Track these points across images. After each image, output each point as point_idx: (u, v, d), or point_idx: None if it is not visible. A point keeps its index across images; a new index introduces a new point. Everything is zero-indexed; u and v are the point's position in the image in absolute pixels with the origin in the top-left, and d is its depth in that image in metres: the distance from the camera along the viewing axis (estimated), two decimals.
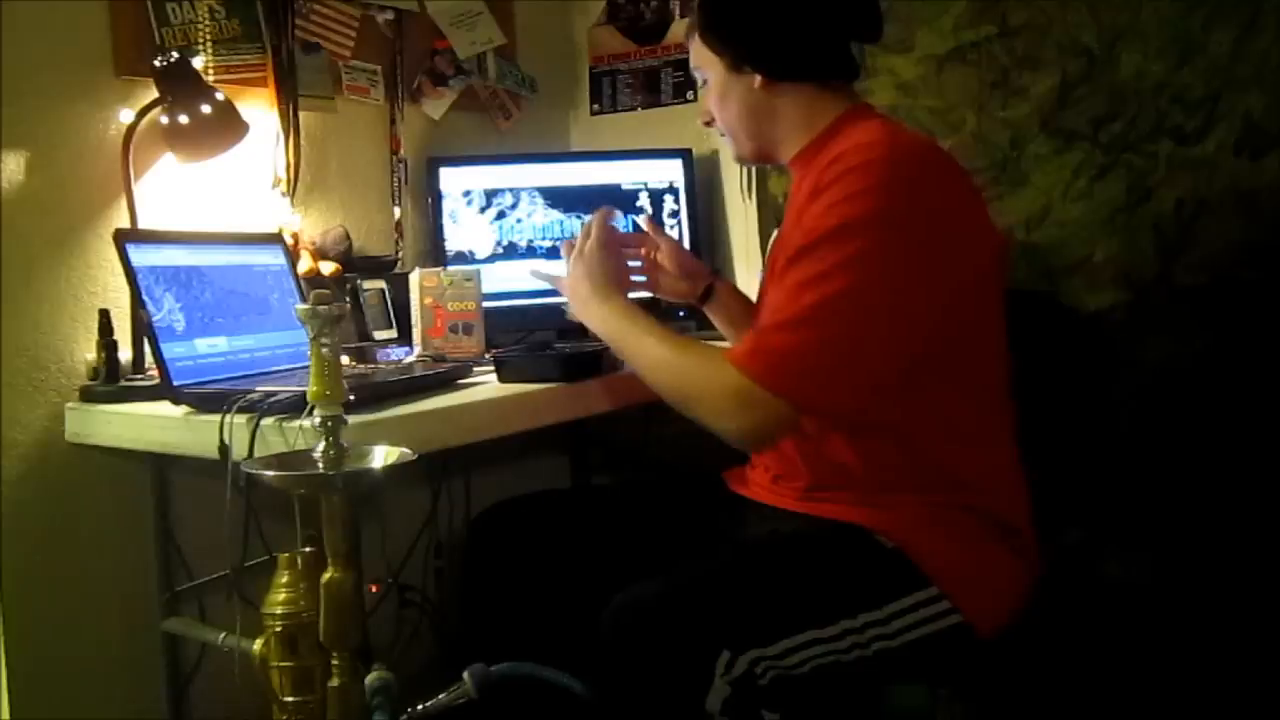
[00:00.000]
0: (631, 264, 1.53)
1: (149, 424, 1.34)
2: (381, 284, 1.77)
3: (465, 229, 1.95)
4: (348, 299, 1.70)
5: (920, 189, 1.15)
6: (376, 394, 1.27)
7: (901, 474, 1.23)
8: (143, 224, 1.51)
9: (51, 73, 1.48)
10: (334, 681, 1.07)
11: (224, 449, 1.18)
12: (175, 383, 1.29)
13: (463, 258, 1.93)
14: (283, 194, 1.77)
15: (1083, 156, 1.70)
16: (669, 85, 2.20)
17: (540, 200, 1.99)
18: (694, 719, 1.06)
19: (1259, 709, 1.53)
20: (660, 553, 1.26)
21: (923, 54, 1.83)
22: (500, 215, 1.97)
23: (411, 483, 1.93)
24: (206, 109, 1.53)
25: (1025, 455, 1.31)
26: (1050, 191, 1.73)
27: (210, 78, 1.62)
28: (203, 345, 1.37)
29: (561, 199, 2.00)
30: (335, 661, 1.07)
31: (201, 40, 1.64)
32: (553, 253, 1.99)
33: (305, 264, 1.68)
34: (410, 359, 1.60)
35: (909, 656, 1.15)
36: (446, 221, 1.94)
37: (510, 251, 1.97)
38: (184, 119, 1.53)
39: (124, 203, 1.51)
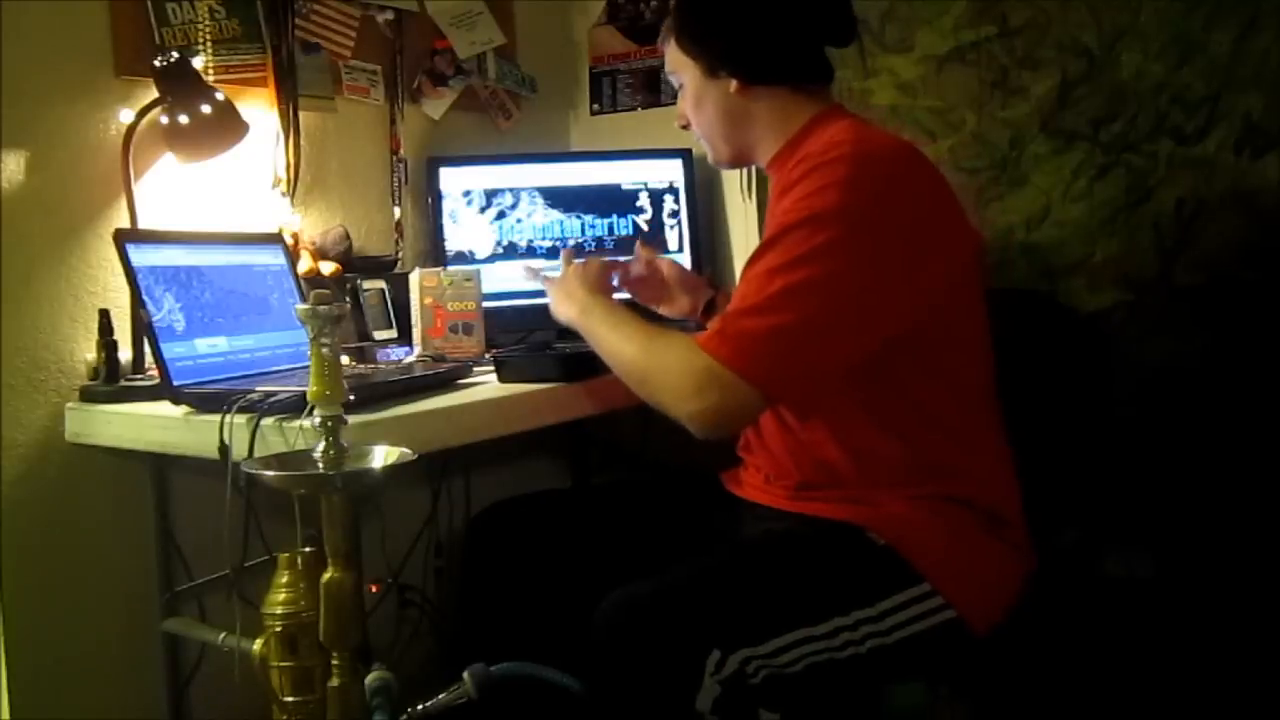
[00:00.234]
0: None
1: (149, 424, 1.34)
2: (381, 284, 1.77)
3: (465, 229, 1.95)
4: (348, 299, 1.70)
5: (887, 184, 1.16)
6: (376, 394, 1.27)
7: (891, 469, 1.23)
8: (143, 224, 1.51)
9: (51, 73, 1.48)
10: (334, 681, 1.08)
11: (224, 449, 1.18)
12: (175, 383, 1.29)
13: (463, 258, 1.93)
14: (283, 194, 1.77)
15: (1083, 156, 1.70)
16: (669, 85, 2.20)
17: (540, 200, 1.99)
18: (685, 718, 1.06)
19: (1258, 707, 1.53)
20: (658, 552, 1.26)
21: (923, 54, 1.83)
22: (500, 215, 1.97)
23: (411, 483, 1.93)
24: (206, 109, 1.53)
25: (1024, 454, 1.32)
26: (1050, 191, 1.73)
27: (210, 78, 1.62)
28: (203, 345, 1.37)
29: (561, 199, 2.00)
30: (335, 661, 1.07)
31: (201, 40, 1.63)
32: (553, 253, 1.99)
33: (305, 264, 1.68)
34: (410, 359, 1.60)
35: (904, 653, 1.16)
36: (446, 221, 1.94)
37: (510, 251, 1.97)
38: (184, 119, 1.53)
39: (124, 203, 1.51)
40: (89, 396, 1.44)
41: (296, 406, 1.14)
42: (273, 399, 1.18)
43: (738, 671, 1.08)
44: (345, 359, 1.38)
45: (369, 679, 1.08)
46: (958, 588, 1.18)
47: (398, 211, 1.99)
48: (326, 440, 1.03)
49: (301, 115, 1.77)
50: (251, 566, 1.35)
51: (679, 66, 1.35)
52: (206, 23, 1.64)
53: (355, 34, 1.90)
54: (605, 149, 2.22)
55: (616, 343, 1.25)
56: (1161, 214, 1.64)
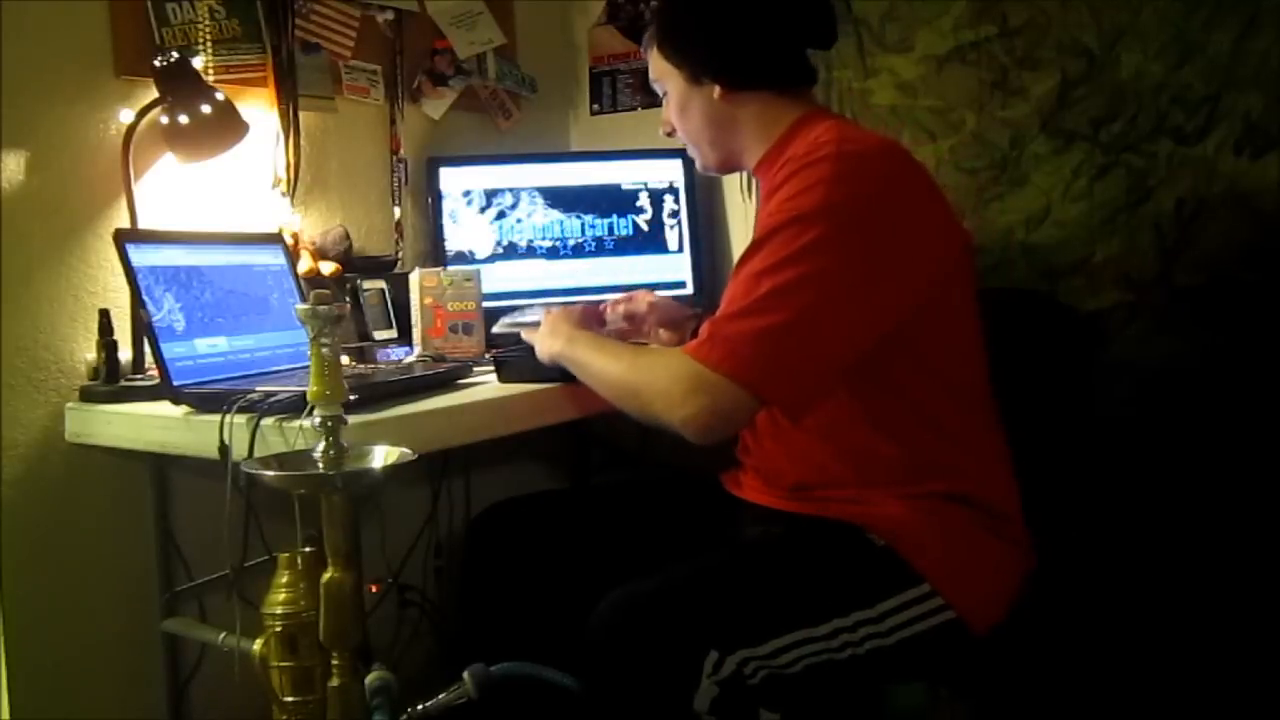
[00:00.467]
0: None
1: (149, 424, 1.34)
2: (381, 284, 1.77)
3: (465, 229, 1.95)
4: (348, 299, 1.70)
5: (871, 182, 1.16)
6: (376, 394, 1.27)
7: (888, 470, 1.23)
8: (143, 224, 1.51)
9: (51, 73, 1.48)
10: (334, 681, 1.07)
11: (224, 449, 1.18)
12: (175, 383, 1.29)
13: (463, 258, 1.93)
14: (283, 194, 1.77)
15: (1083, 156, 1.70)
16: None
17: (540, 200, 1.99)
18: (683, 718, 1.06)
19: (1257, 707, 1.53)
20: (658, 553, 1.26)
21: (923, 54, 1.83)
22: (500, 215, 1.97)
23: (411, 483, 1.93)
24: (206, 109, 1.53)
25: (1023, 454, 1.32)
26: (1050, 191, 1.73)
27: (210, 78, 1.62)
28: (203, 345, 1.37)
29: (561, 199, 2.00)
30: (335, 661, 1.07)
31: (201, 40, 1.63)
32: (552, 253, 1.99)
33: (305, 264, 1.68)
34: (410, 359, 1.60)
35: (903, 654, 1.16)
36: (446, 221, 1.94)
37: (510, 251, 1.97)
38: (184, 119, 1.53)
39: (124, 203, 1.51)
40: (89, 396, 1.44)
41: (296, 406, 1.14)
42: (273, 399, 1.18)
43: (736, 672, 1.08)
44: (345, 359, 1.38)
45: (369, 679, 1.08)
46: (957, 588, 1.18)
47: (398, 211, 1.99)
48: (326, 440, 1.03)
49: (301, 115, 1.77)
50: (251, 566, 1.35)
51: (663, 74, 1.36)
52: (206, 23, 1.64)
53: (355, 34, 1.90)
54: (605, 149, 2.22)
55: (604, 364, 1.25)
56: (1161, 214, 1.64)
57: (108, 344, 1.44)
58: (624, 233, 2.04)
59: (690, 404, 1.11)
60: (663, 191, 2.06)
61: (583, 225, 2.02)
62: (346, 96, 1.90)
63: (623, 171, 2.05)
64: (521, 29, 2.21)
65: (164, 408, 1.32)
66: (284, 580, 1.16)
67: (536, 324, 1.43)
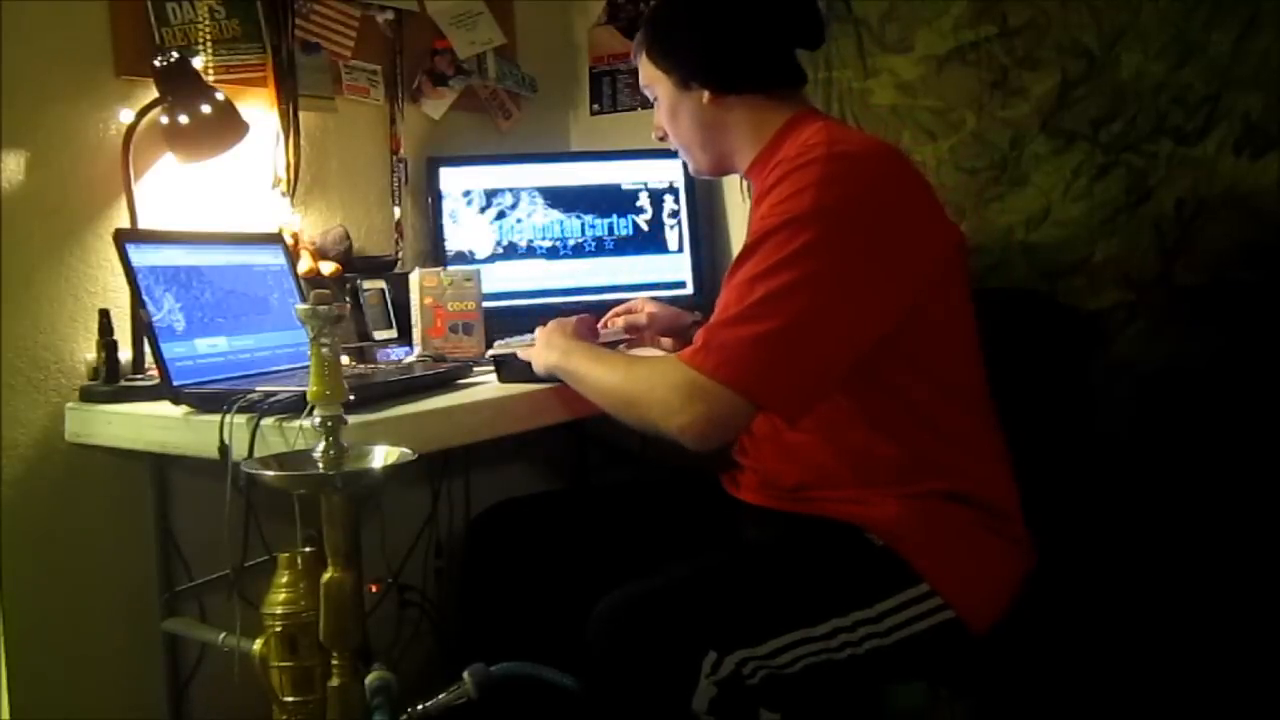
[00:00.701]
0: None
1: (149, 424, 1.34)
2: (381, 284, 1.77)
3: (465, 229, 1.95)
4: (348, 299, 1.70)
5: (862, 183, 1.16)
6: (376, 394, 1.27)
7: (885, 470, 1.23)
8: (143, 224, 1.51)
9: (51, 73, 1.48)
10: (334, 681, 1.08)
11: (224, 449, 1.18)
12: (175, 383, 1.29)
13: (463, 258, 1.93)
14: (283, 194, 1.77)
15: (1083, 156, 1.70)
16: None
17: (540, 200, 1.99)
18: (681, 719, 1.06)
19: (1257, 707, 1.53)
20: (658, 553, 1.26)
21: (923, 54, 1.83)
22: (500, 215, 1.97)
23: (411, 483, 1.93)
24: (206, 109, 1.53)
25: (1024, 454, 1.32)
26: (1050, 191, 1.73)
27: (210, 78, 1.62)
28: (203, 345, 1.37)
29: (561, 199, 2.00)
30: (335, 661, 1.07)
31: (201, 40, 1.63)
32: (552, 253, 1.99)
33: (305, 264, 1.68)
34: (410, 359, 1.60)
35: (903, 654, 1.16)
36: (446, 221, 1.94)
37: (510, 251, 1.97)
38: (184, 119, 1.53)
39: (124, 203, 1.51)
40: (89, 396, 1.44)
41: (296, 406, 1.14)
42: (273, 399, 1.18)
43: (734, 672, 1.08)
44: (345, 359, 1.38)
45: (369, 679, 1.08)
46: (956, 587, 1.18)
47: (398, 211, 1.99)
48: (326, 440, 1.03)
49: (301, 115, 1.77)
50: (251, 566, 1.35)
51: (652, 80, 1.36)
52: (206, 23, 1.64)
53: (355, 34, 1.90)
54: (605, 149, 2.21)
55: (600, 374, 1.25)
56: (1161, 214, 1.64)
57: (108, 344, 1.44)
58: (624, 233, 2.04)
59: (687, 412, 1.11)
60: (663, 191, 2.06)
61: (583, 225, 2.02)
62: (346, 96, 1.90)
63: (623, 171, 2.05)
64: (521, 29, 2.21)
65: (164, 408, 1.32)
66: (284, 580, 1.16)
67: (531, 344, 1.43)
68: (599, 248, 2.02)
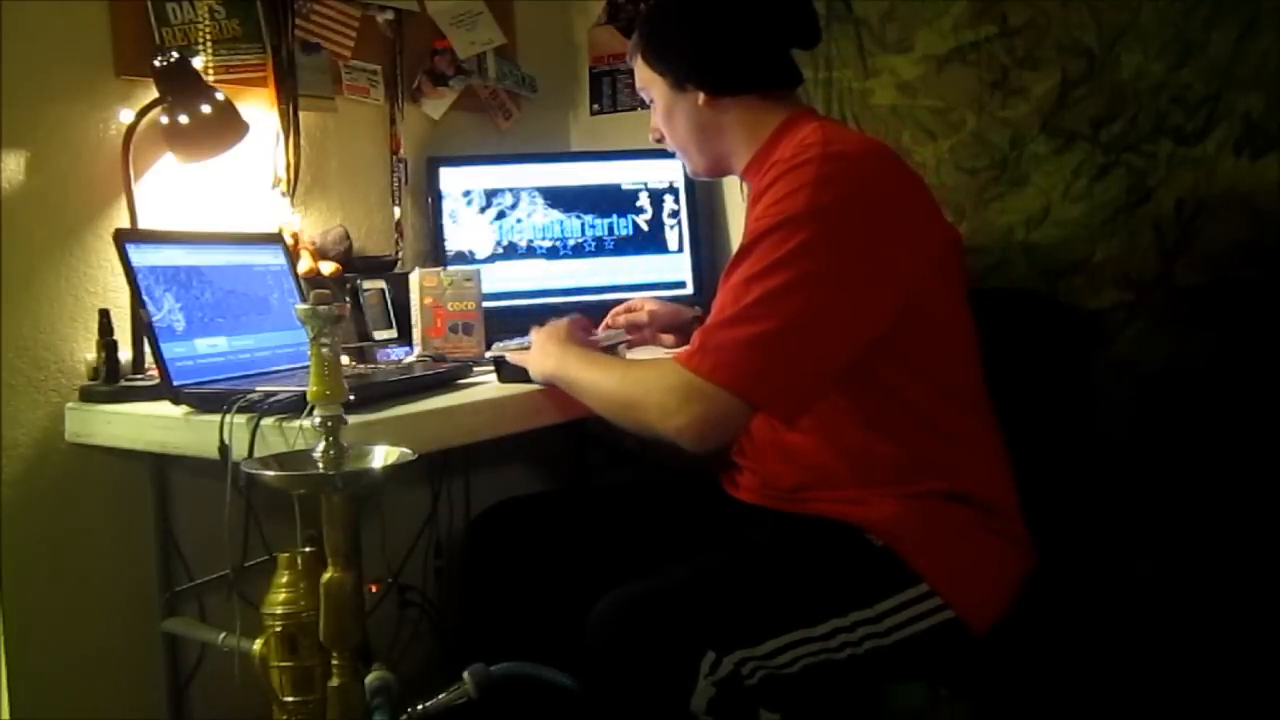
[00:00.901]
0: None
1: (149, 424, 1.34)
2: (381, 284, 1.77)
3: (465, 229, 1.95)
4: (348, 299, 1.70)
5: (857, 183, 1.16)
6: (376, 394, 1.27)
7: (884, 470, 1.23)
8: (143, 224, 1.51)
9: (51, 73, 1.48)
10: (334, 681, 1.07)
11: (224, 449, 1.18)
12: (175, 383, 1.29)
13: (463, 258, 1.93)
14: (283, 194, 1.77)
15: (1083, 156, 1.70)
16: None
17: (540, 200, 1.99)
18: (680, 719, 1.06)
19: (1257, 706, 1.53)
20: (658, 553, 1.27)
21: (923, 54, 1.83)
22: (500, 215, 1.97)
23: (411, 483, 1.93)
24: (206, 109, 1.53)
25: (1024, 454, 1.32)
26: (1050, 191, 1.73)
27: (210, 78, 1.62)
28: (203, 345, 1.37)
29: (561, 199, 2.00)
30: (335, 661, 1.07)
31: (201, 40, 1.63)
32: (552, 253, 1.99)
33: (305, 264, 1.68)
34: (410, 359, 1.60)
35: (902, 654, 1.16)
36: (446, 221, 1.94)
37: (510, 251, 1.97)
38: (184, 119, 1.53)
39: (124, 203, 1.51)
40: (89, 396, 1.44)
41: (296, 406, 1.14)
42: (273, 399, 1.18)
43: (733, 673, 1.08)
44: (345, 359, 1.38)
45: (369, 679, 1.08)
46: (956, 588, 1.18)
47: (398, 211, 1.99)
48: (326, 440, 1.03)
49: (301, 115, 1.77)
50: (251, 566, 1.35)
51: (648, 82, 1.36)
52: (206, 23, 1.64)
53: (355, 34, 1.90)
54: (605, 149, 2.21)
55: (596, 378, 1.25)
56: (1161, 214, 1.64)
57: (108, 344, 1.44)
58: (624, 233, 2.04)
59: (684, 414, 1.11)
60: (663, 191, 2.06)
61: (583, 225, 2.02)
62: (346, 96, 1.90)
63: (623, 171, 2.05)
64: (521, 29, 2.21)
65: (164, 408, 1.32)
66: (284, 580, 1.16)
67: (527, 347, 1.42)
68: (599, 248, 2.02)
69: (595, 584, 1.19)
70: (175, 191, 1.62)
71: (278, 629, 1.14)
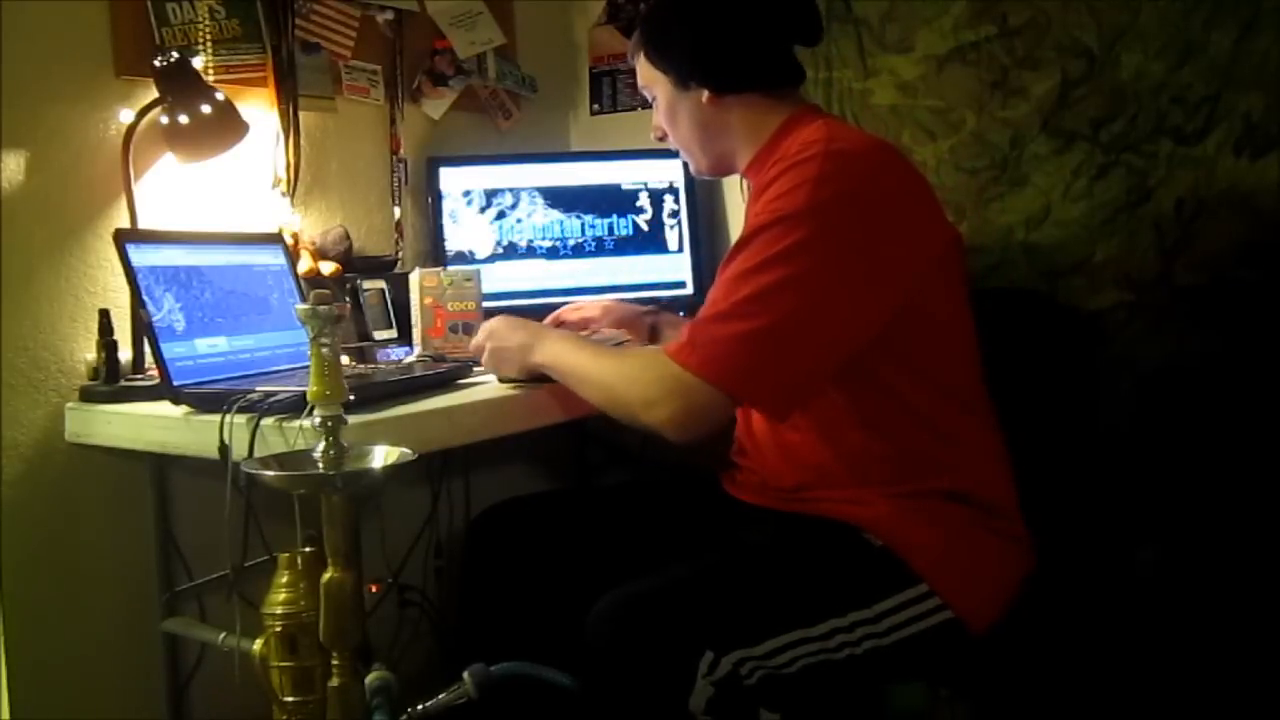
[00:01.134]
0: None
1: (149, 424, 1.34)
2: (381, 284, 1.77)
3: (465, 229, 1.95)
4: (348, 299, 1.70)
5: (857, 181, 1.16)
6: (376, 394, 1.27)
7: (882, 469, 1.23)
8: (143, 224, 1.51)
9: (51, 73, 1.48)
10: (334, 681, 1.07)
11: (224, 449, 1.18)
12: (175, 383, 1.29)
13: (463, 258, 1.93)
14: (283, 194, 1.77)
15: (1083, 156, 1.70)
16: None
17: (540, 200, 1.99)
18: (679, 719, 1.06)
19: (1257, 707, 1.53)
20: (657, 553, 1.26)
21: (923, 54, 1.83)
22: (500, 215, 1.97)
23: (411, 483, 1.93)
24: (206, 109, 1.53)
25: (1024, 454, 1.32)
26: (1050, 191, 1.73)
27: (210, 78, 1.62)
28: (203, 345, 1.37)
29: (561, 199, 2.00)
30: (335, 661, 1.07)
31: (201, 40, 1.63)
32: (552, 253, 1.99)
33: (305, 264, 1.68)
34: (410, 359, 1.60)
35: (901, 654, 1.16)
36: (446, 221, 1.94)
37: (510, 251, 1.97)
38: (184, 119, 1.53)
39: (124, 203, 1.51)
40: (89, 396, 1.44)
41: (296, 406, 1.14)
42: (273, 399, 1.17)
43: (732, 673, 1.07)
44: (345, 359, 1.38)
45: (369, 679, 1.08)
46: (955, 588, 1.18)
47: (398, 211, 1.99)
48: (326, 440, 1.03)
49: (301, 115, 1.77)
50: (251, 566, 1.35)
51: (650, 81, 1.36)
52: (206, 23, 1.64)
53: (355, 34, 1.90)
54: (605, 149, 2.21)
55: (584, 362, 1.25)
56: (1161, 214, 1.64)
57: (108, 344, 1.44)
58: (624, 233, 2.04)
59: (667, 406, 1.11)
60: (663, 191, 2.06)
61: (583, 225, 2.02)
62: (346, 96, 1.90)
63: (623, 171, 2.05)
64: (521, 29, 2.21)
65: (164, 408, 1.32)
66: (284, 580, 1.16)
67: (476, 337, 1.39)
68: (599, 248, 2.02)
69: (595, 584, 1.18)
70: (175, 191, 1.62)
71: (278, 629, 1.14)
